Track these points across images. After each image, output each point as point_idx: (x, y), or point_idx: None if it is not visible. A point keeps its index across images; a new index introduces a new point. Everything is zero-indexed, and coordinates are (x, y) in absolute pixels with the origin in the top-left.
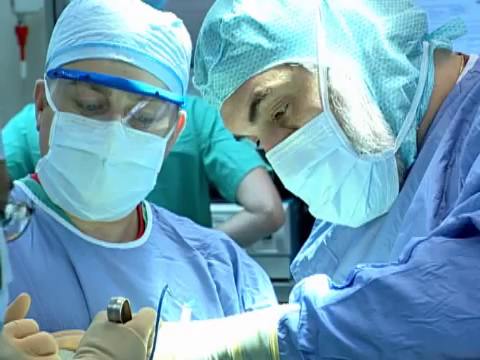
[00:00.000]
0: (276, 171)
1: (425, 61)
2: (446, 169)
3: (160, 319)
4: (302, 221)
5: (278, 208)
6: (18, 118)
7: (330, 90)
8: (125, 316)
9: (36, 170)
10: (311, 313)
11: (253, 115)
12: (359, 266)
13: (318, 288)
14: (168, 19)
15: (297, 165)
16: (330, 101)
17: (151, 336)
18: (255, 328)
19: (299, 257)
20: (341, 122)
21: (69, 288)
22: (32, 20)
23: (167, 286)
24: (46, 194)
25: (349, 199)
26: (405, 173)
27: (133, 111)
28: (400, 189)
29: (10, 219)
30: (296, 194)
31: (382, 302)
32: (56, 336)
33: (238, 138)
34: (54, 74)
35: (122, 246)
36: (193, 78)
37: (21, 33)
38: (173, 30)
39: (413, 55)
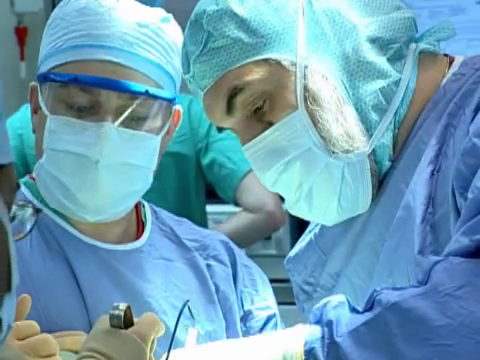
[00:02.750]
0: (252, 166)
1: (409, 64)
2: (433, 175)
3: (161, 324)
4: (301, 222)
5: (279, 208)
6: (14, 118)
7: (306, 89)
8: (127, 322)
9: (33, 173)
10: (334, 341)
11: (230, 108)
12: (378, 289)
13: (340, 312)
14: (156, 15)
15: (270, 161)
16: (305, 100)
17: (153, 342)
18: (281, 355)
19: (292, 253)
20: (315, 121)
21: (68, 289)
22: (32, 20)
23: (188, 301)
24: None
25: (321, 197)
26: (384, 175)
27: (124, 111)
28: (378, 190)
29: (14, 218)
30: (270, 190)
31: (402, 325)
32: (56, 337)
33: (220, 129)
34: (43, 78)
35: (121, 247)
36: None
37: (20, 33)
38: (162, 26)
39: (395, 58)
